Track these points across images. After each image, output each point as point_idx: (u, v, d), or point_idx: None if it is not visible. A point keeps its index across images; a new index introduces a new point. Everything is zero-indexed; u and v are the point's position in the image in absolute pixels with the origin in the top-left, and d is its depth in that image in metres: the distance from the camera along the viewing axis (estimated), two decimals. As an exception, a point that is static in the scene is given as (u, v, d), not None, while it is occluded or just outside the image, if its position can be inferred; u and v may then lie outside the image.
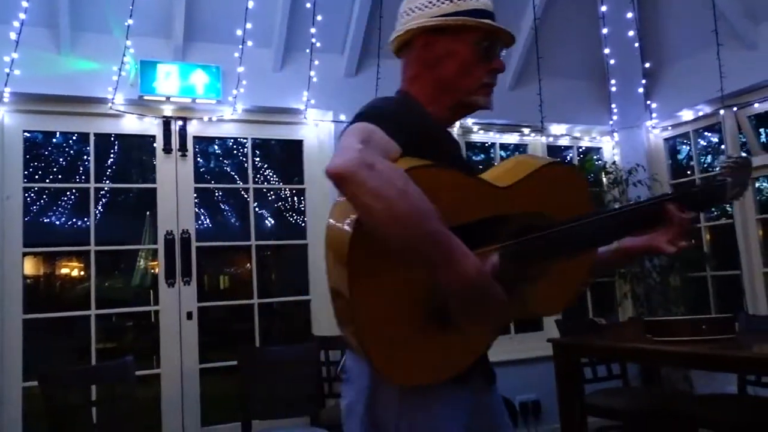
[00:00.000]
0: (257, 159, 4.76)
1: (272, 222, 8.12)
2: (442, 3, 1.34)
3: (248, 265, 4.53)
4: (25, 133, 3.80)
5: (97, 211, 4.00)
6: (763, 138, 4.88)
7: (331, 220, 1.15)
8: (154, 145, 4.04)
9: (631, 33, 4.59)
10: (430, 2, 1.35)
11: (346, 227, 1.09)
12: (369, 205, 1.01)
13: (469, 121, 4.69)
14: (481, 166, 5.34)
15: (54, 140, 4.32)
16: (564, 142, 5.31)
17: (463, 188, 1.17)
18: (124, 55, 3.72)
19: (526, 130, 5.01)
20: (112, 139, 4.11)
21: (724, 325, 2.96)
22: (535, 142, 5.12)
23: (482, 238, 1.16)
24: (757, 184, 4.77)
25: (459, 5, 1.33)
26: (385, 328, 1.11)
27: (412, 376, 1.15)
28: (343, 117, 4.35)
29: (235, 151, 4.69)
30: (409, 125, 1.23)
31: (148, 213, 5.18)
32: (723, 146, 4.74)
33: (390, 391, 1.20)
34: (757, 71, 4.25)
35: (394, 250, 1.05)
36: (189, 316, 3.92)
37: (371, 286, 1.09)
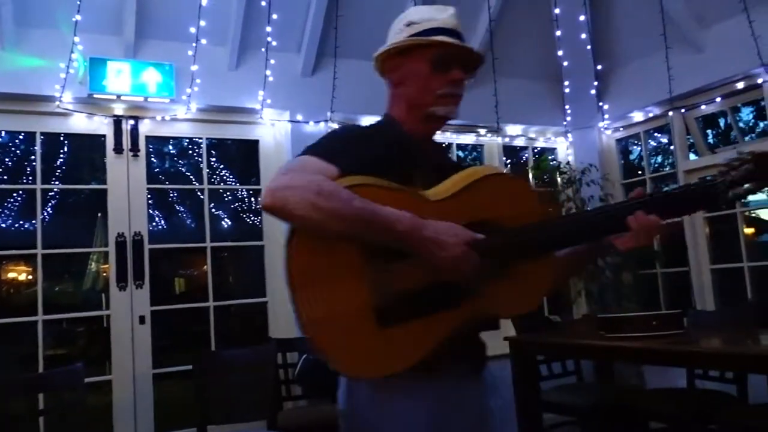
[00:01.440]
0: (213, 159, 4.68)
1: (228, 223, 8.00)
2: (402, 30, 1.48)
3: (204, 267, 4.45)
4: (-33, 132, 3.66)
5: (45, 213, 3.87)
6: (710, 139, 5.04)
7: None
8: (105, 144, 3.93)
9: (583, 35, 4.68)
10: (396, 32, 1.51)
11: (285, 248, 1.24)
12: (302, 216, 1.18)
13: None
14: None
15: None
16: (520, 142, 5.38)
17: (396, 203, 1.25)
18: (72, 51, 3.61)
19: (482, 131, 5.06)
20: (61, 138, 3.99)
21: (673, 321, 3.04)
22: (491, 142, 5.18)
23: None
24: (704, 184, 4.91)
25: (415, 28, 1.47)
26: (333, 329, 1.22)
27: (365, 369, 1.26)
28: (299, 117, 4.31)
29: (189, 151, 4.61)
30: (360, 147, 1.36)
31: (99, 215, 5.04)
32: (672, 147, 4.87)
33: (361, 384, 1.34)
34: (705, 74, 4.39)
35: (347, 240, 1.21)
36: (142, 320, 3.83)
37: (313, 294, 1.22)
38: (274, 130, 4.40)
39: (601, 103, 5.12)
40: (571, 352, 3.75)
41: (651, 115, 4.93)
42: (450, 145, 5.15)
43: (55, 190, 4.23)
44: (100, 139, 3.97)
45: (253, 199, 4.84)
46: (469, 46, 1.50)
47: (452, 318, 1.28)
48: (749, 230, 4.95)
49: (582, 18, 4.59)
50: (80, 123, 3.86)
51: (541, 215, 1.37)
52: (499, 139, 5.16)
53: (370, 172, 1.29)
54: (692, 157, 4.83)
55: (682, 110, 4.68)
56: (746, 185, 1.31)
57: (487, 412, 1.44)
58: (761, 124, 6.37)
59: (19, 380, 3.21)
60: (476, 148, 5.35)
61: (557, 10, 4.59)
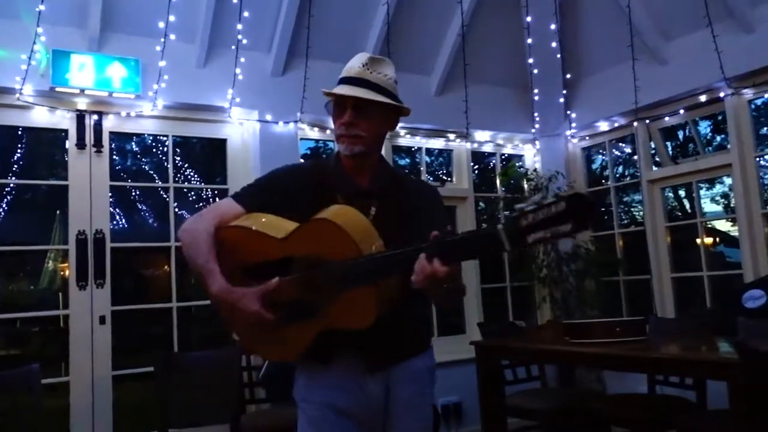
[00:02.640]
0: (178, 158, 4.58)
1: (193, 223, 7.83)
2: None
3: (167, 267, 4.36)
4: None
5: (0, 209, 3.74)
6: (669, 150, 5.15)
7: None
8: (67, 139, 3.83)
9: (554, 44, 4.74)
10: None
11: None
12: (183, 253, 1.73)
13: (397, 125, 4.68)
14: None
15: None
16: (488, 148, 5.42)
17: (255, 239, 1.68)
18: (34, 43, 3.50)
19: (451, 136, 5.08)
20: (20, 132, 3.85)
21: (636, 328, 3.10)
22: (460, 147, 5.21)
23: (278, 271, 1.62)
24: (666, 193, 5.03)
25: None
26: (248, 332, 1.73)
27: (274, 355, 1.97)
28: (269, 117, 4.26)
29: (154, 149, 4.51)
30: (270, 188, 1.81)
31: (58, 212, 4.90)
32: (636, 156, 4.97)
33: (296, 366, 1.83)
34: (668, 86, 4.49)
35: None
36: (102, 320, 3.73)
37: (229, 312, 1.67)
38: (242, 130, 4.34)
39: (568, 112, 5.20)
40: (536, 356, 3.78)
41: (616, 124, 5.02)
42: (420, 149, 5.16)
43: (12, 185, 4.06)
44: (61, 133, 3.86)
45: (218, 198, 4.76)
46: (352, 94, 1.72)
47: (313, 326, 1.62)
48: (708, 240, 5.07)
49: (553, 27, 4.64)
50: (41, 117, 3.75)
51: (356, 255, 1.53)
52: (468, 145, 5.19)
53: (276, 207, 1.73)
54: (654, 167, 4.93)
55: (647, 121, 4.78)
56: (559, 227, 1.23)
57: (380, 401, 1.75)
58: (718, 138, 6.56)
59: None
60: (444, 153, 5.37)
61: (529, 18, 4.64)
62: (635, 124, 4.78)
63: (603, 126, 5.11)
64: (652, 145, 4.94)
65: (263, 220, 1.72)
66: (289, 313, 1.62)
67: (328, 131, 4.60)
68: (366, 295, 1.54)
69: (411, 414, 1.80)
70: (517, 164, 5.51)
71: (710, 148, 5.74)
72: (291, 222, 1.67)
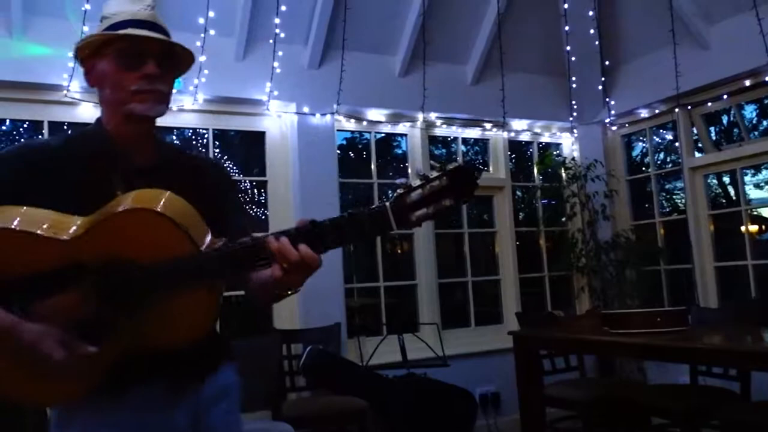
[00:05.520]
0: (217, 150, 4.67)
1: (232, 214, 7.97)
2: (94, 30, 1.41)
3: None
4: (-26, 120, 3.65)
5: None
6: (712, 136, 5.03)
7: None
8: (111, 134, 3.94)
9: (591, 31, 4.67)
10: (87, 35, 1.43)
11: None
12: None
13: (432, 115, 4.71)
14: (440, 162, 5.38)
15: (3, 128, 4.15)
16: (525, 137, 5.38)
17: (21, 242, 1.21)
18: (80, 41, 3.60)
19: (487, 125, 5.06)
20: (66, 127, 3.97)
21: (678, 318, 3.06)
22: (497, 137, 5.18)
23: (59, 283, 1.21)
24: (709, 180, 4.92)
25: (106, 23, 1.38)
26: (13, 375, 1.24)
27: (29, 399, 1.34)
28: (306, 109, 4.31)
29: (194, 142, 4.60)
30: (17, 170, 1.31)
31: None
32: (677, 143, 4.87)
33: (53, 410, 1.37)
34: (711, 70, 4.38)
35: None
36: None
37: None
38: (280, 122, 4.40)
39: (607, 99, 5.13)
40: (575, 347, 3.77)
41: (657, 111, 4.92)
42: (456, 139, 5.15)
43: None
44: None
45: (257, 191, 4.83)
46: (160, 37, 1.38)
47: (110, 350, 1.23)
48: (753, 228, 4.95)
49: (591, 13, 4.57)
50: (87, 112, 3.86)
51: (183, 251, 1.22)
52: (505, 134, 5.16)
53: (22, 200, 1.25)
54: (697, 154, 4.83)
55: (688, 107, 4.68)
56: (437, 205, 1.17)
57: (186, 427, 1.38)
58: (765, 122, 6.36)
59: None
60: (480, 142, 5.35)
61: (566, 5, 4.58)
62: (677, 110, 4.68)
63: (643, 113, 5.02)
64: (694, 131, 4.84)
65: (23, 213, 1.24)
66: (89, 335, 1.22)
67: (364, 122, 4.63)
68: (198, 302, 1.25)
69: None
70: (554, 153, 5.46)
71: (756, 133, 5.58)
72: (66, 216, 1.26)
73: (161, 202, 1.23)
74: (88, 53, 1.40)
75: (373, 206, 1.19)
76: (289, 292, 1.30)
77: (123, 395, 1.31)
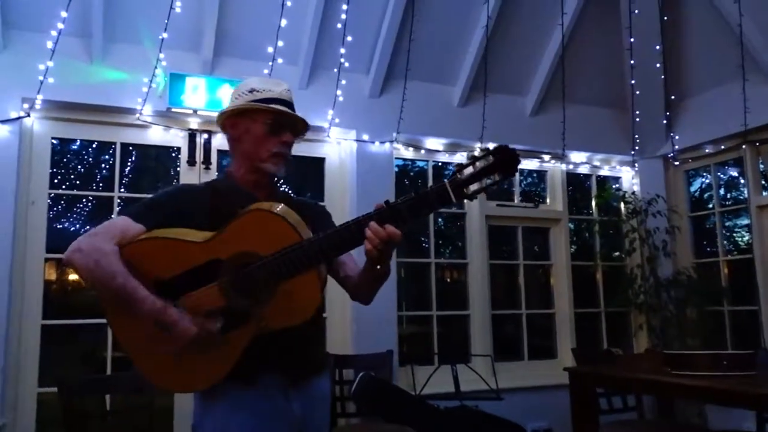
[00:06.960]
0: (276, 174, 4.79)
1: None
2: (245, 94, 1.77)
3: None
4: (53, 140, 3.84)
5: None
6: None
7: None
8: (179, 156, 4.08)
9: (658, 65, 4.61)
10: (238, 95, 1.79)
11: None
12: (83, 276, 1.57)
13: (491, 146, 4.68)
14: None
15: (76, 148, 4.34)
16: (584, 170, 5.31)
17: (173, 248, 1.60)
18: (155, 67, 3.77)
19: (546, 157, 5.02)
20: (130, 149, 4.12)
21: (745, 361, 2.93)
22: (555, 168, 5.13)
23: (205, 278, 1.57)
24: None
25: (256, 95, 1.76)
26: (146, 355, 1.62)
27: (178, 385, 1.73)
28: (366, 137, 4.38)
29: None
30: (168, 205, 1.71)
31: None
32: (742, 180, 4.73)
33: (196, 397, 1.70)
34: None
35: (111, 303, 1.61)
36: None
37: (124, 330, 1.65)
38: (339, 149, 4.47)
39: (671, 133, 5.03)
40: (634, 386, 3.64)
41: (722, 147, 4.80)
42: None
43: (131, 196, 4.33)
44: (174, 151, 4.12)
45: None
46: (299, 117, 1.79)
47: (243, 335, 1.55)
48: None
49: (657, 47, 4.52)
50: (157, 135, 4.02)
51: (297, 241, 1.54)
52: (563, 166, 5.11)
53: (175, 224, 1.65)
54: (764, 192, 4.67)
55: (756, 143, 4.54)
56: (488, 180, 1.45)
57: (299, 424, 1.68)
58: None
59: (92, 380, 3.34)
60: (537, 174, 5.30)
61: (632, 39, 4.54)
62: (744, 146, 4.55)
63: (707, 148, 4.90)
64: (761, 168, 4.69)
65: (175, 231, 1.64)
66: (226, 322, 1.56)
67: (422, 151, 4.67)
68: (307, 283, 1.54)
69: None
70: (613, 186, 5.37)
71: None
72: (202, 231, 1.63)
73: (274, 207, 1.59)
74: (236, 112, 1.77)
75: (435, 185, 1.50)
76: (381, 277, 1.65)
77: (253, 382, 1.62)
